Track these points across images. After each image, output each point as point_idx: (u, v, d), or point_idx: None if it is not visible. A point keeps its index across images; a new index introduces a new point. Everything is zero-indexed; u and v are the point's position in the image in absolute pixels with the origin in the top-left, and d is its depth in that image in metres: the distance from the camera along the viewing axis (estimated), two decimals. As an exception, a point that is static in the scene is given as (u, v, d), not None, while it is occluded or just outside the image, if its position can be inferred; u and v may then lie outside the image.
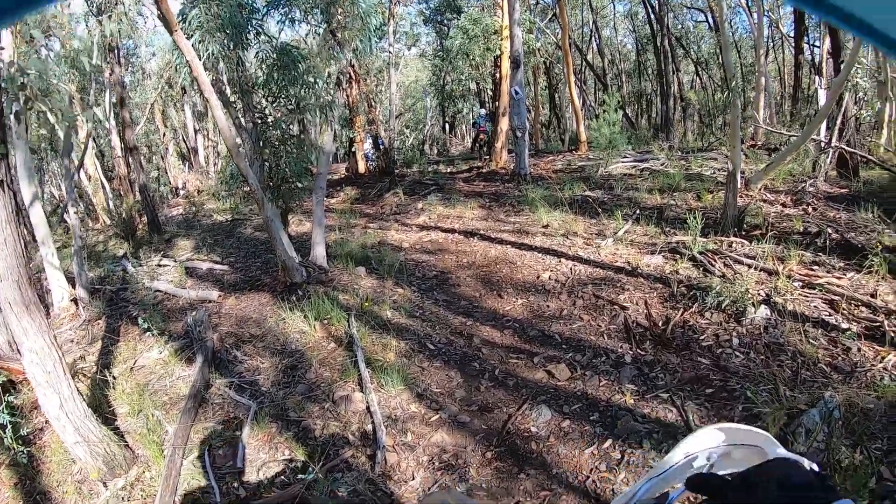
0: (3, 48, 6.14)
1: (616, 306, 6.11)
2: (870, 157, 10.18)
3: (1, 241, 3.97)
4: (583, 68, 25.57)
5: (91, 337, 7.01)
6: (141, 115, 20.79)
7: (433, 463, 4.37)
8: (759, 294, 5.73)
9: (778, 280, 5.87)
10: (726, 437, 1.19)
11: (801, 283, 5.88)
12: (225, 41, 6.60)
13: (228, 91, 6.99)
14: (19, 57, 6.35)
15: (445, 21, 20.93)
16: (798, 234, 7.05)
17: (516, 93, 11.86)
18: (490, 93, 18.34)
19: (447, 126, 26.48)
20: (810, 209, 7.97)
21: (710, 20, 22.31)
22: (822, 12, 0.37)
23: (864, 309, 5.37)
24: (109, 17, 8.11)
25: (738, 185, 7.51)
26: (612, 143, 11.42)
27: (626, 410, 4.64)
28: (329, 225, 9.73)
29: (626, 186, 10.32)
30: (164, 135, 23.15)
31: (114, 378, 5.79)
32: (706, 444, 1.20)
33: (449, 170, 15.22)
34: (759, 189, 8.76)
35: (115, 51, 12.04)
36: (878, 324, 5.08)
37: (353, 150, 16.12)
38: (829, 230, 6.90)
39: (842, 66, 8.66)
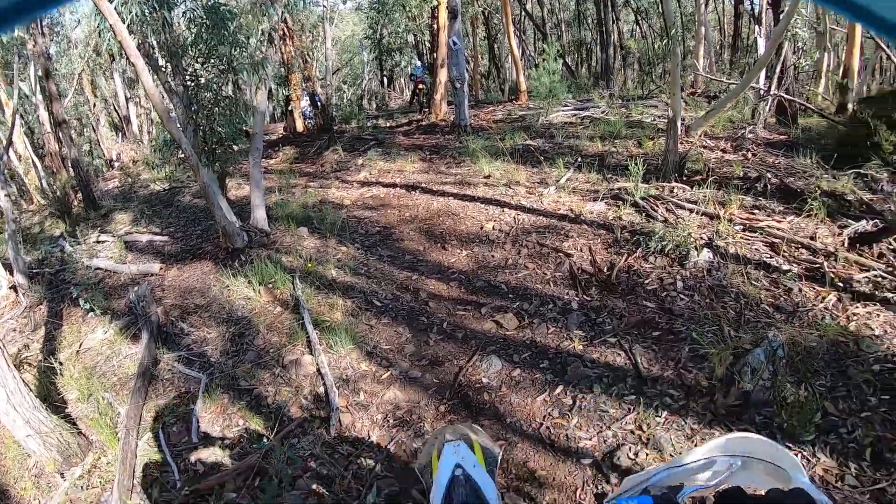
0: None
1: (561, 254, 6.05)
2: (808, 105, 10.32)
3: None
4: (522, 18, 25.24)
5: (34, 324, 6.70)
6: (69, 86, 19.61)
7: (387, 420, 4.31)
8: (701, 238, 5.75)
9: (719, 224, 5.90)
10: (752, 448, 1.15)
11: (742, 227, 5.92)
12: (149, 2, 6.21)
13: (158, 55, 6.62)
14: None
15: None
16: (738, 179, 7.08)
17: (454, 43, 11.59)
18: (428, 44, 17.90)
19: (385, 80, 25.97)
20: (750, 155, 8.01)
21: (650, -31, 22.31)
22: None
23: (804, 251, 5.45)
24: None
25: (679, 132, 7.48)
26: (552, 92, 11.29)
27: (576, 356, 4.63)
28: (269, 186, 9.44)
29: (567, 135, 10.23)
30: (95, 106, 22.00)
31: (60, 364, 5.55)
32: (731, 450, 1.16)
33: (388, 124, 14.88)
34: (700, 136, 8.77)
35: (38, 20, 11.29)
36: (817, 265, 5.17)
37: (289, 108, 15.62)
38: (769, 175, 6.94)
39: (781, 17, 8.66)
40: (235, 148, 7.87)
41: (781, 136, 8.92)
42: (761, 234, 5.76)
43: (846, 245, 5.45)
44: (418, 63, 17.43)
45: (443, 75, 13.26)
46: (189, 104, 6.90)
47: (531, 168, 8.60)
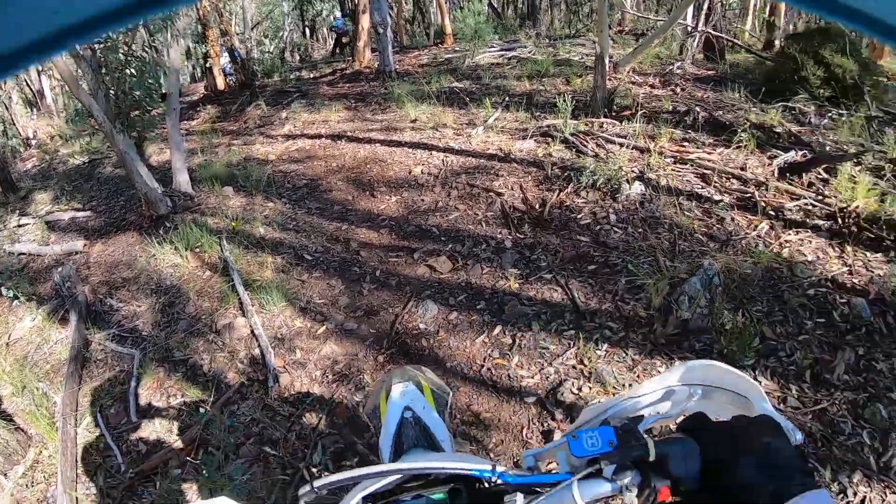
0: None
1: (492, 193, 5.88)
2: (736, 41, 10.38)
3: None
4: (445, -41, 24.81)
5: (-41, 321, 6.19)
6: (-27, 64, 18.43)
7: (326, 376, 4.15)
8: (632, 171, 5.66)
9: (650, 157, 5.82)
10: (713, 376, 1.08)
11: (672, 159, 5.87)
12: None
13: None
14: None
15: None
16: (667, 113, 7.02)
17: (376, -13, 11.23)
18: (350, -9, 17.42)
19: (308, 30, 25.22)
20: (678, 90, 7.98)
21: None
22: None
23: (735, 181, 5.44)
24: None
25: (607, 69, 7.38)
26: (477, 33, 11.08)
27: (512, 295, 4.52)
28: (191, 148, 9.00)
29: (494, 75, 10.02)
30: (5, 83, 20.76)
31: None
32: (692, 379, 1.09)
33: (312, 75, 14.40)
34: (628, 72, 8.69)
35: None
36: (749, 195, 5.16)
37: (209, 66, 14.94)
38: (698, 109, 6.91)
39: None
40: (154, 112, 7.37)
41: (710, 72, 8.94)
42: (692, 166, 5.71)
43: (776, 175, 5.47)
44: (338, 14, 16.92)
45: (365, 21, 12.85)
46: (98, 68, 6.39)
47: (458, 110, 8.37)
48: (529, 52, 11.20)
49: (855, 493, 2.82)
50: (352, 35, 14.76)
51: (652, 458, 0.88)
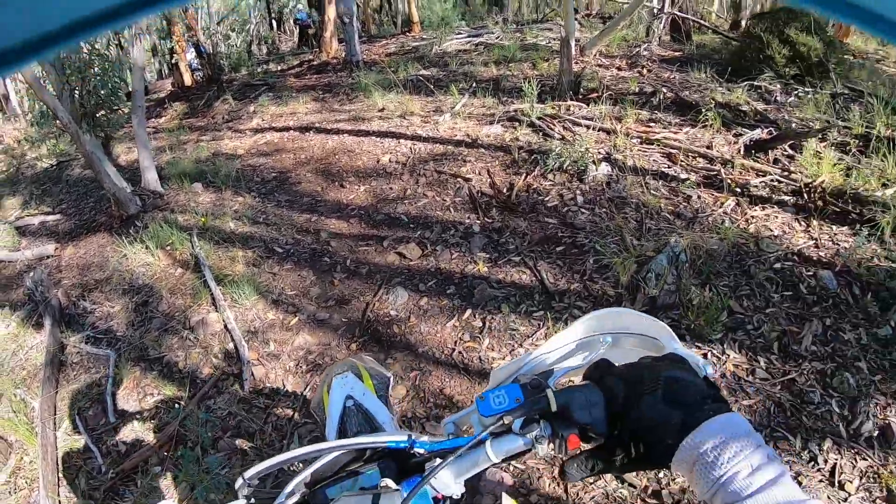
0: None
1: (459, 179, 5.86)
2: (702, 22, 10.43)
3: None
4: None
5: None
6: (-67, 72, 18.03)
7: (300, 367, 4.14)
8: (599, 153, 5.67)
9: (616, 138, 5.84)
10: (622, 323, 1.08)
11: (639, 140, 5.90)
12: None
13: None
14: None
15: None
16: (634, 94, 7.05)
17: (340, -23, 11.13)
18: (316, -19, 17.26)
19: (274, 23, 25.02)
20: (645, 71, 8.00)
21: None
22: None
23: (700, 160, 5.48)
24: None
25: (573, 52, 7.36)
26: (444, 20, 11.06)
27: (481, 279, 4.52)
28: (160, 146, 8.92)
29: (461, 62, 10.01)
30: None
31: None
32: (600, 329, 1.09)
33: (279, 67, 14.26)
34: (594, 55, 8.70)
35: None
36: (715, 172, 5.21)
37: (175, 62, 14.75)
38: (664, 90, 6.95)
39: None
40: (120, 111, 7.26)
41: (676, 53, 8.98)
42: (658, 145, 5.74)
43: (742, 152, 5.51)
44: (300, 7, 16.81)
45: (331, 12, 12.74)
46: (61, 68, 6.29)
47: (426, 97, 8.33)
48: (497, 38, 11.16)
49: (825, 461, 2.86)
50: (318, 26, 14.65)
51: (554, 408, 0.89)
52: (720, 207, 4.75)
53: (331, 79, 11.16)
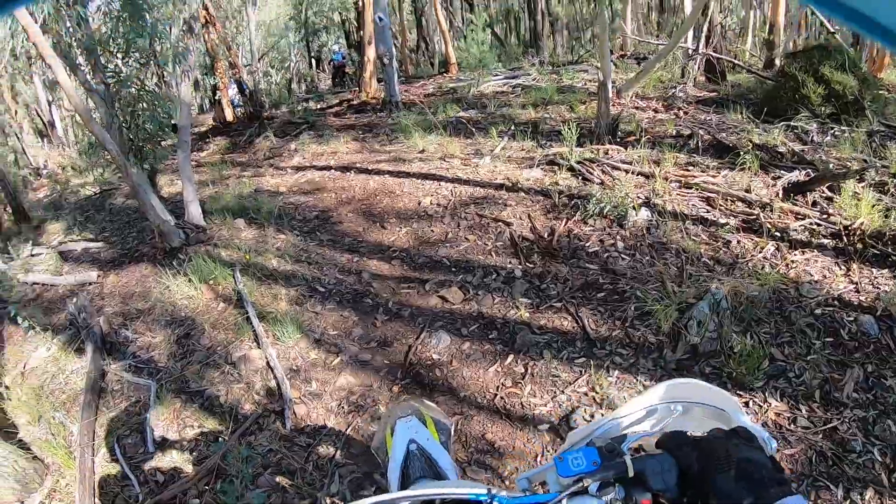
0: None
1: (500, 223, 5.97)
2: (736, 61, 10.47)
3: None
4: (448, -11, 25.05)
5: (-28, 350, 6.28)
6: (-14, 95, 18.75)
7: (342, 407, 4.20)
8: (638, 197, 5.73)
9: (655, 182, 5.90)
10: (692, 393, 1.15)
11: (678, 184, 5.95)
12: (60, -2, 5.84)
13: (77, 52, 6.26)
14: None
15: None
16: (671, 137, 7.13)
17: (380, 19, 11.36)
18: (354, 22, 17.62)
19: (314, 61, 25.44)
20: (681, 113, 8.08)
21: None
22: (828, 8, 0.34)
23: (739, 203, 5.51)
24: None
25: (610, 95, 7.46)
26: (482, 62, 11.22)
27: (523, 324, 4.57)
28: (202, 180, 9.16)
29: (499, 104, 10.15)
30: (16, 113, 20.90)
31: (6, 388, 5.17)
32: (672, 397, 1.16)
33: (319, 106, 14.54)
34: (631, 97, 8.80)
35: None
36: (754, 216, 5.23)
37: (217, 98, 15.12)
38: (701, 132, 7.01)
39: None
40: (165, 144, 7.51)
41: (711, 94, 9.04)
42: (697, 189, 5.79)
43: (780, 195, 5.53)
44: (336, 48, 17.11)
45: (371, 52, 13.03)
46: (112, 102, 6.54)
47: (465, 140, 8.49)
48: (533, 80, 11.34)
49: (868, 511, 2.87)
50: (357, 66, 14.92)
51: (631, 474, 0.96)
52: (760, 252, 4.79)
53: (370, 119, 11.38)
